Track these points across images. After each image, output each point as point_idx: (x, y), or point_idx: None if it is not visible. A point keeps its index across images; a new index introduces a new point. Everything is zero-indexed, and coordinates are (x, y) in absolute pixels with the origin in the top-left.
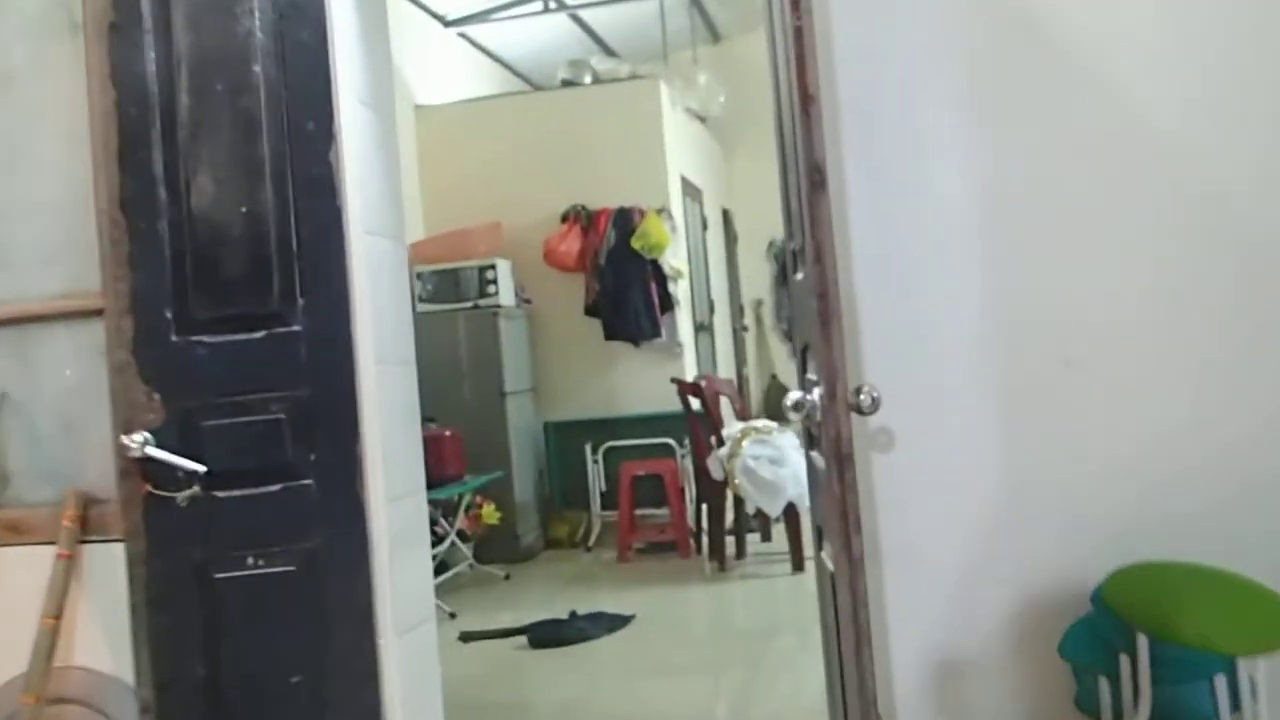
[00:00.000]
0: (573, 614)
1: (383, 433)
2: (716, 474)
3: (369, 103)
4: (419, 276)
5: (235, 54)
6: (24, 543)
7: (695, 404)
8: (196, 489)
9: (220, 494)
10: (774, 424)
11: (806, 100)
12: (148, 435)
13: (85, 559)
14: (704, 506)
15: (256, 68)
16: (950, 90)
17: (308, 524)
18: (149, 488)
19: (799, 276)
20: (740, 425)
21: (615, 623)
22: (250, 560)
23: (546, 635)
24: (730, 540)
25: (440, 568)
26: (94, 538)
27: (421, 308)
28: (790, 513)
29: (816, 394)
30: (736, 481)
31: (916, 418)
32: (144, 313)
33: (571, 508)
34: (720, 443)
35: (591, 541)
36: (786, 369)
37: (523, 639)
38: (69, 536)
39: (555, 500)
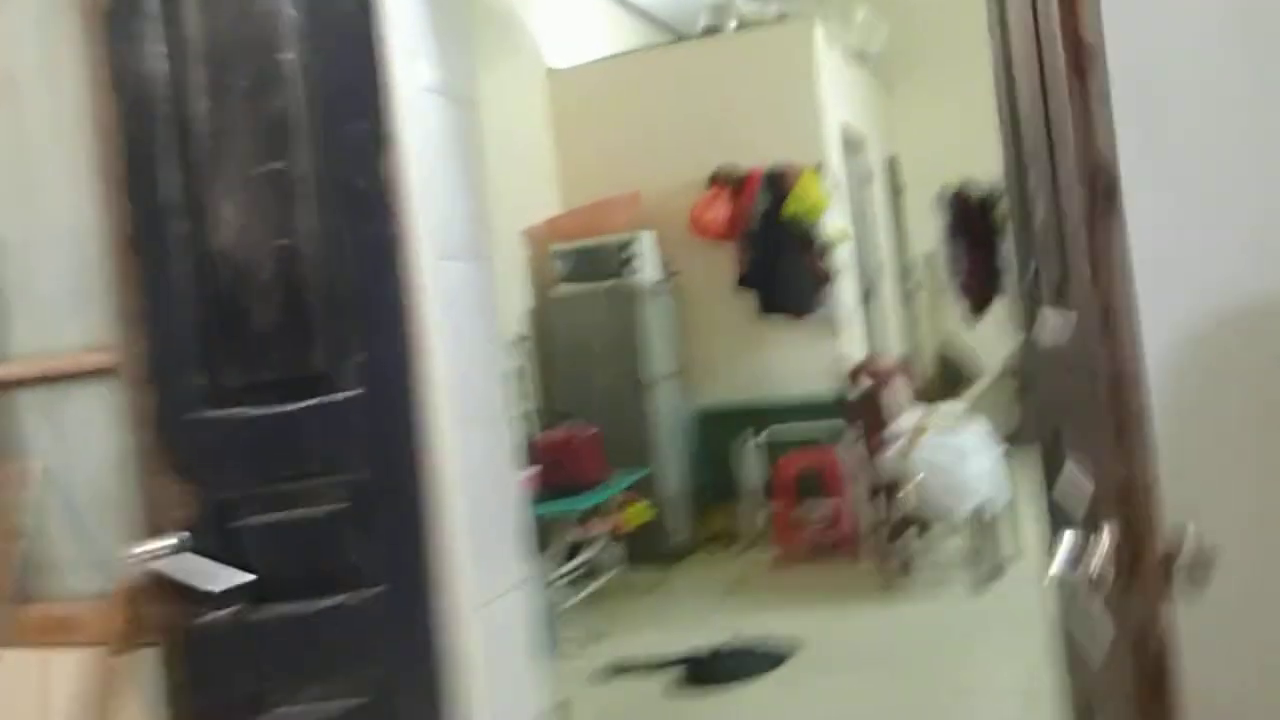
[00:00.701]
0: (730, 642)
1: (469, 518)
2: (890, 474)
3: (439, 88)
4: (554, 255)
5: (260, 39)
6: (71, 643)
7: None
8: (242, 604)
9: (270, 610)
10: (958, 411)
11: (1080, 54)
12: (183, 536)
13: (138, 664)
14: (875, 503)
15: (288, 55)
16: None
17: (377, 644)
18: (184, 604)
19: (1047, 327)
20: (919, 414)
21: (776, 655)
22: (311, 691)
23: (702, 672)
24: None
25: (588, 574)
26: (150, 639)
27: (558, 289)
28: (979, 518)
29: (1100, 550)
30: (914, 483)
31: (1240, 538)
32: (164, 381)
33: (725, 501)
34: (894, 438)
35: (749, 538)
36: (963, 330)
37: (674, 672)
38: (120, 638)
39: (707, 493)
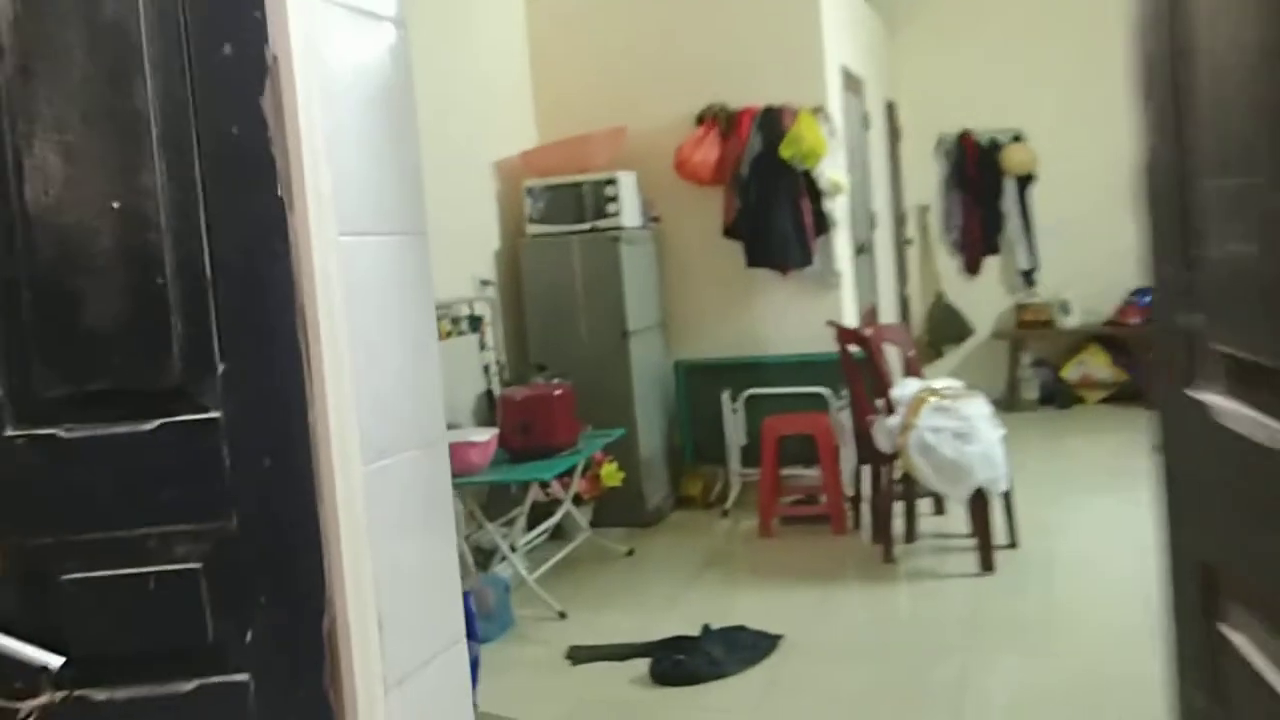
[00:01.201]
0: (705, 629)
1: (381, 579)
2: (884, 447)
3: (352, 1)
4: (529, 192)
5: None
6: None
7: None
8: (53, 694)
9: (95, 696)
10: (958, 385)
11: None
12: None
13: None
14: (864, 471)
15: None
16: None
17: None
18: None
19: None
20: (916, 385)
21: (758, 649)
22: None
23: (671, 670)
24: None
25: (553, 541)
26: None
27: (531, 229)
28: (979, 500)
29: None
30: (911, 460)
31: None
32: None
33: (706, 462)
34: (889, 408)
35: (729, 504)
36: (954, 287)
37: (640, 664)
38: None
39: (686, 454)
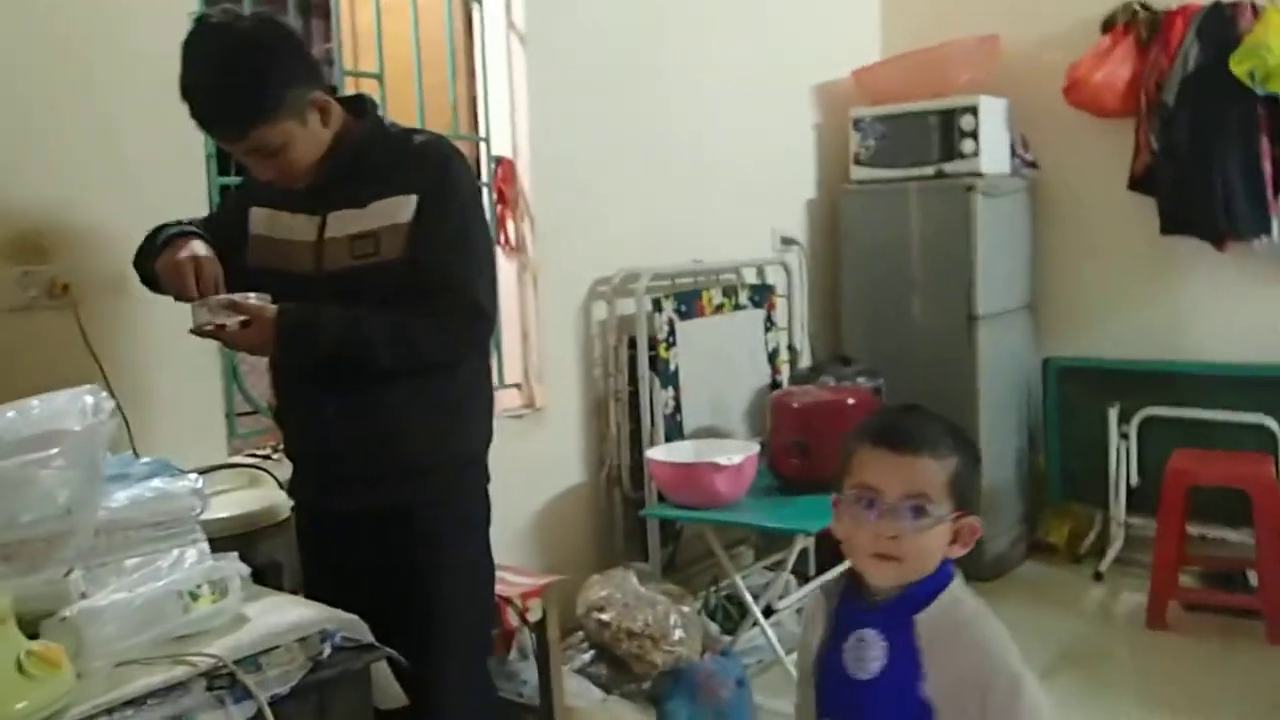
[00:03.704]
0: None
1: None
2: None
3: None
4: (856, 125)
5: None
6: None
7: None
8: None
9: None
10: None
11: None
12: None
13: None
14: None
15: None
16: None
17: None
18: None
19: None
20: None
21: None
22: None
23: None
24: None
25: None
26: None
27: (857, 174)
28: None
29: None
30: None
31: None
32: None
33: (1078, 501)
34: None
35: (1105, 563)
36: None
37: None
38: None
39: (1052, 487)
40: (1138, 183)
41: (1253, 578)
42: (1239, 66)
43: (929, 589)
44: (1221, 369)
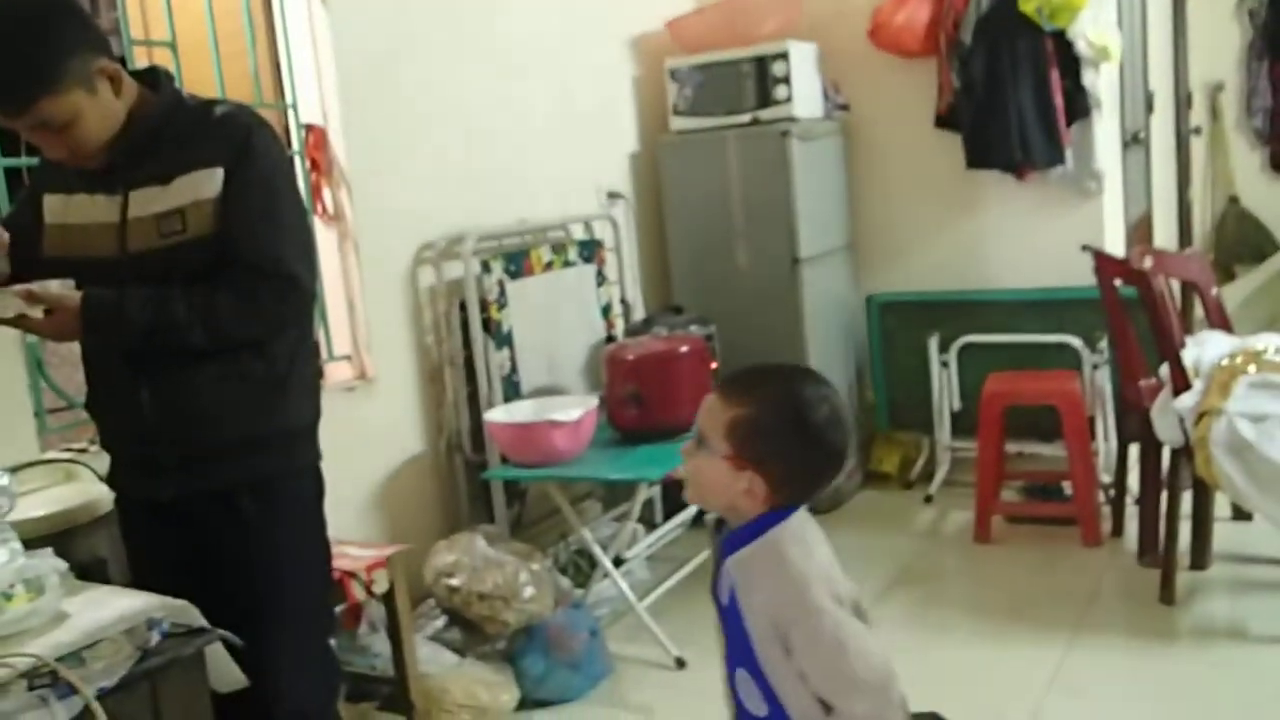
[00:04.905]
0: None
1: None
2: (1169, 437)
3: None
4: (672, 75)
5: None
6: None
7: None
8: None
9: None
10: None
11: None
12: None
13: None
14: (1128, 452)
15: None
16: None
17: None
18: None
19: None
20: (1224, 345)
21: None
22: None
23: None
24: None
25: (683, 543)
26: None
27: (676, 124)
28: None
29: None
30: (1214, 463)
31: None
32: None
33: (905, 429)
34: (1178, 379)
35: (934, 486)
36: (1254, 189)
37: None
38: None
39: (880, 418)
40: (943, 120)
41: (1067, 487)
42: (1028, 4)
43: (744, 535)
44: (1028, 294)
